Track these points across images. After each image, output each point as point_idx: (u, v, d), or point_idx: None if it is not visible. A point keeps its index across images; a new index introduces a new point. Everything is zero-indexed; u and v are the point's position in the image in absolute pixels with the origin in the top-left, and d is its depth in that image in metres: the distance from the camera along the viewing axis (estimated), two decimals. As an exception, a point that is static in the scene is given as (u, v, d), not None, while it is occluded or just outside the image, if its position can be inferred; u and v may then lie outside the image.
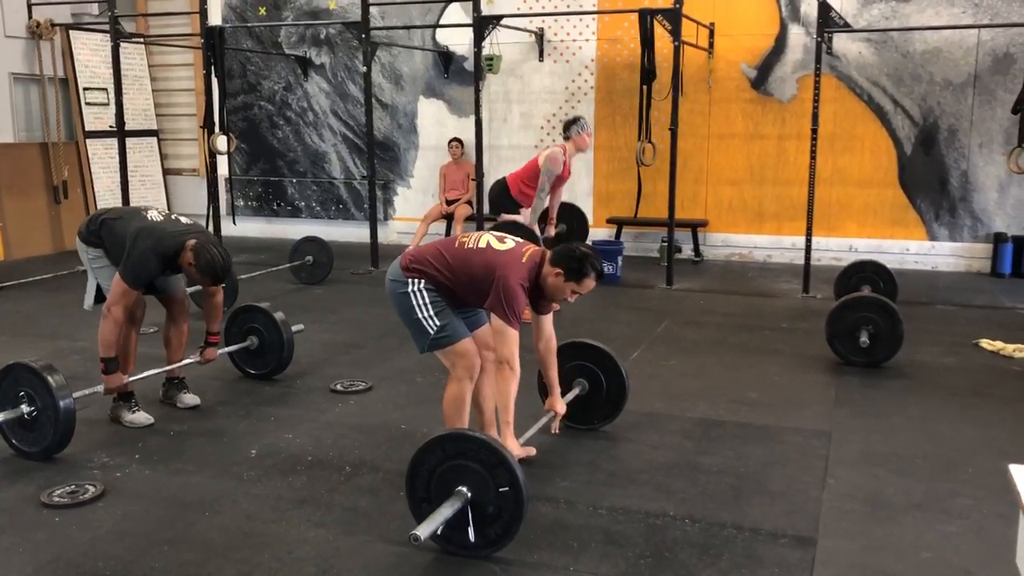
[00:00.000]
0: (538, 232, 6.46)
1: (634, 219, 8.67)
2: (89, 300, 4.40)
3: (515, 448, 3.44)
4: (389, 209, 10.19)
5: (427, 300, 3.42)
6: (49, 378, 3.76)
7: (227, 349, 4.87)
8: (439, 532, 2.86)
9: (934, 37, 8.10)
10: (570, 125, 6.39)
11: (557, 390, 3.77)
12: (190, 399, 4.55)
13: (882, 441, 4.05)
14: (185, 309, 4.54)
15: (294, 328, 5.06)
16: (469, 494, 2.90)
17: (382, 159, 9.94)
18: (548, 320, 3.65)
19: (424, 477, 2.97)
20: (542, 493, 3.47)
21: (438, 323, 3.42)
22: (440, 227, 9.28)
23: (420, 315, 3.43)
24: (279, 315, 4.92)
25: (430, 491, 2.96)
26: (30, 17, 9.69)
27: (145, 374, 4.42)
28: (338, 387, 4.83)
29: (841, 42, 8.24)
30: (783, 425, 4.26)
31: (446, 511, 2.85)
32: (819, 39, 7.01)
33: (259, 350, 4.95)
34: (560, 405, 3.77)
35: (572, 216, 7.76)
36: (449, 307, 3.46)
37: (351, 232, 10.11)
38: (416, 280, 3.44)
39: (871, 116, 8.41)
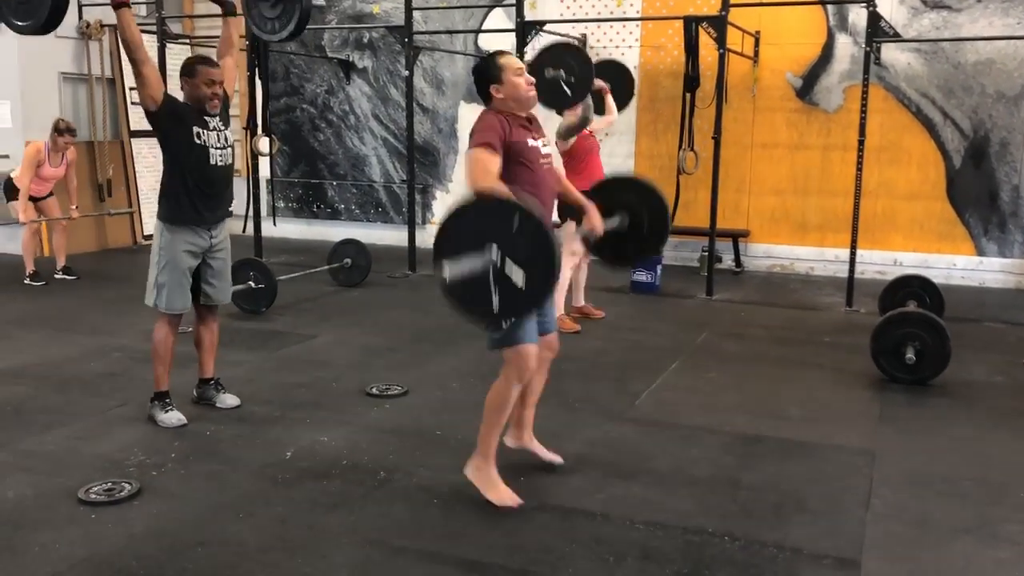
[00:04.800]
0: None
1: (672, 228, 8.54)
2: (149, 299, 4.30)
3: None
4: (427, 213, 10.20)
5: None
6: None
7: None
8: (497, 302, 2.90)
9: (987, 48, 7.92)
10: None
11: (590, 206, 3.58)
12: (231, 399, 4.56)
13: (928, 462, 3.93)
14: (216, 315, 4.59)
15: None
16: (495, 245, 2.87)
17: (422, 163, 9.95)
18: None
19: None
20: (578, 505, 3.42)
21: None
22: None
23: None
24: None
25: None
26: (80, 18, 9.85)
27: None
28: (373, 390, 4.81)
29: (890, 52, 8.08)
30: (826, 442, 4.16)
31: (475, 261, 2.85)
32: (868, 49, 6.87)
33: None
34: (599, 223, 3.59)
35: None
36: None
37: (389, 235, 10.13)
38: None
39: (919, 128, 8.24)
